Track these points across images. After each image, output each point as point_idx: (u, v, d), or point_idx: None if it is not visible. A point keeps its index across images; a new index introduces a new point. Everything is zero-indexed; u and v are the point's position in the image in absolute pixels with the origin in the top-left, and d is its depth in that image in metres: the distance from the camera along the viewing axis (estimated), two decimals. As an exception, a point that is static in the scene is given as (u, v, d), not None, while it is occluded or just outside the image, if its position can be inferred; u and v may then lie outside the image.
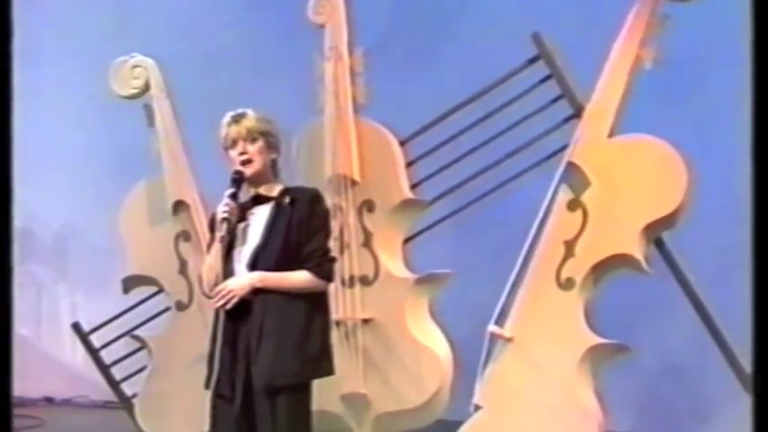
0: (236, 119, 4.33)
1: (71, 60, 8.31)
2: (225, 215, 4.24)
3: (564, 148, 5.63)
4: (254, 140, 4.30)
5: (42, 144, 8.21)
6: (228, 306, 4.24)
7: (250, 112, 4.34)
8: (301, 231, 4.28)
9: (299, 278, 4.28)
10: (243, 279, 4.26)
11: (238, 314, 4.25)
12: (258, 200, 4.35)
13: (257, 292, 4.25)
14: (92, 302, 8.22)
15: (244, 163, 4.30)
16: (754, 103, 2.35)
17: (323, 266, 4.33)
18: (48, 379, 8.49)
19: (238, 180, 4.30)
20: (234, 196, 4.27)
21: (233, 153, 4.31)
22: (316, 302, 4.35)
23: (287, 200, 4.31)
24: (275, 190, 4.37)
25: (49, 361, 8.64)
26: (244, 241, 4.30)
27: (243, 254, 4.30)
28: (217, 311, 4.30)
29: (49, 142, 8.37)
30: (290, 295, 4.26)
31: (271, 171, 4.37)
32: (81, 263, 8.68)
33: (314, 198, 4.39)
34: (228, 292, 4.24)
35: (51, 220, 8.70)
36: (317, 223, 4.34)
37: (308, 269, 4.29)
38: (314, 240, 4.31)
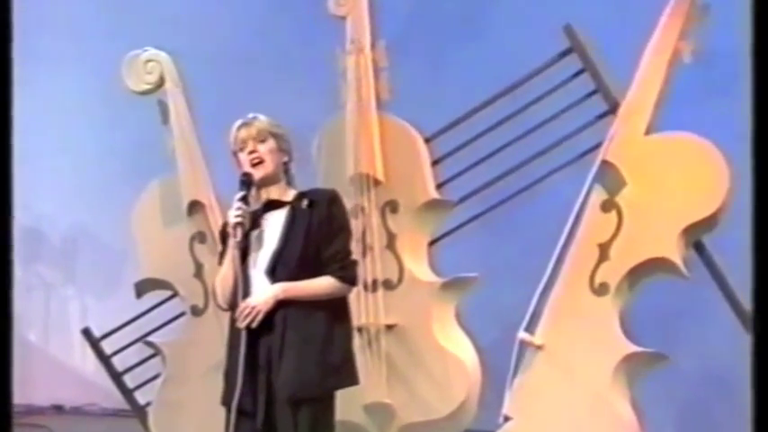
0: (247, 122, 4.33)
1: (82, 55, 8.31)
2: (238, 219, 4.19)
3: (598, 145, 5.57)
4: (264, 140, 4.30)
5: (51, 142, 8.25)
6: (254, 324, 4.17)
7: (261, 116, 4.35)
8: (321, 234, 4.25)
9: (323, 284, 4.24)
10: (266, 294, 4.20)
11: (258, 325, 4.19)
12: (272, 205, 4.30)
13: (279, 303, 4.18)
14: (103, 307, 8.20)
15: (254, 164, 4.27)
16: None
17: (346, 270, 4.29)
18: (56, 386, 8.48)
19: (247, 182, 4.27)
20: (244, 199, 4.23)
21: (243, 156, 4.30)
22: (337, 309, 4.30)
23: (305, 203, 4.27)
24: (289, 194, 4.33)
25: (58, 367, 8.61)
26: (259, 247, 4.25)
27: (259, 260, 4.25)
28: (231, 322, 4.25)
29: (58, 139, 8.38)
30: (310, 303, 4.22)
31: (283, 175, 4.33)
32: (91, 265, 8.67)
33: (332, 199, 4.35)
34: (253, 309, 4.18)
35: (60, 219, 8.67)
36: (337, 225, 4.30)
37: (331, 273, 4.24)
38: (335, 243, 4.27)
